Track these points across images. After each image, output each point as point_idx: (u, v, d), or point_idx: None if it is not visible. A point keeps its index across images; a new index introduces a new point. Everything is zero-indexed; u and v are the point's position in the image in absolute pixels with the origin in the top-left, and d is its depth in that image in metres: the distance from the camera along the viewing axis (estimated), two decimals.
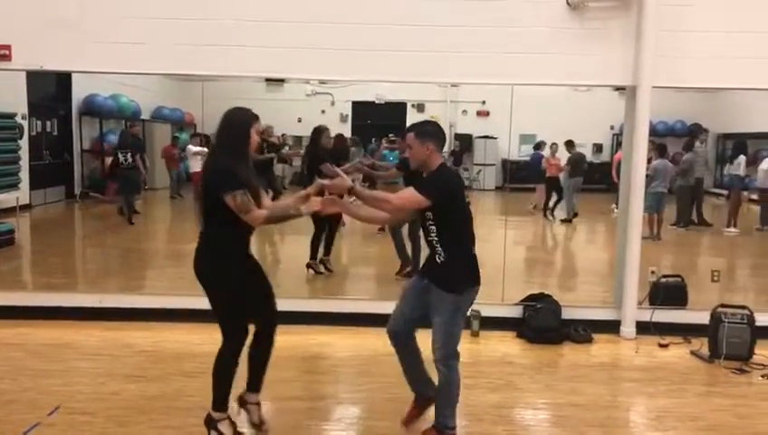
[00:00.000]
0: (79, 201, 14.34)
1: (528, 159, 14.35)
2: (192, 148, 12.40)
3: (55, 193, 14.08)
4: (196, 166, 12.28)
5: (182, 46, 5.78)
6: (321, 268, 7.70)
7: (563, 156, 13.64)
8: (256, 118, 3.68)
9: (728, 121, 14.10)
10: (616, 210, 12.70)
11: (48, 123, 14.15)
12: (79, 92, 14.50)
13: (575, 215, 13.04)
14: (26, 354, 5.19)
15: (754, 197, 11.98)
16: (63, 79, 14.04)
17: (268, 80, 14.34)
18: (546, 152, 13.81)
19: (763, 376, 5.08)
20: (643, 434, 4.18)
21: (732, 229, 11.64)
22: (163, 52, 5.82)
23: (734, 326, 5.36)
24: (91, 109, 14.69)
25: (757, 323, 5.40)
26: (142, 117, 15.86)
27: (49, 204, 13.62)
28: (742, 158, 11.87)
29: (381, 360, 4.32)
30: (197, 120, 15.23)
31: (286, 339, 4.69)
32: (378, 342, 4.20)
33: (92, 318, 5.93)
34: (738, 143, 12.09)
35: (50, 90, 14.31)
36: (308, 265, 7.63)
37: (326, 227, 7.61)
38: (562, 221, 13.09)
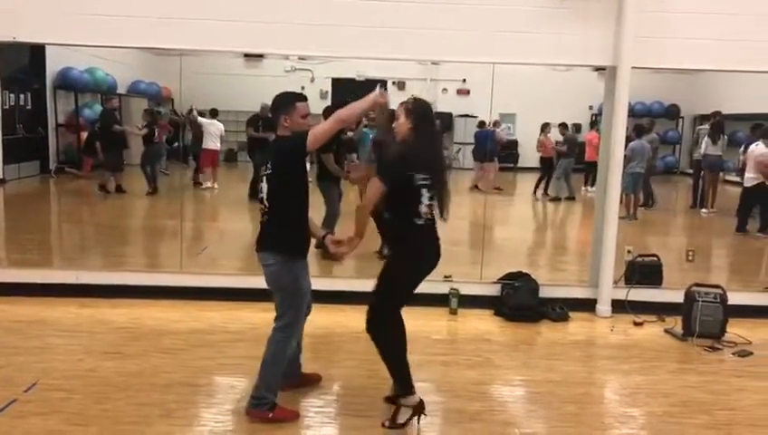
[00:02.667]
0: (54, 176, 14.13)
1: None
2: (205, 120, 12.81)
3: (29, 168, 13.85)
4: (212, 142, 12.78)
5: (159, 19, 5.68)
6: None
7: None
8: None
9: (705, 103, 14.22)
10: (587, 190, 12.89)
11: (22, 97, 13.87)
12: (53, 65, 14.21)
13: (572, 198, 13.22)
14: (1, 331, 5.13)
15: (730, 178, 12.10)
16: (37, 51, 13.75)
17: (247, 55, 14.20)
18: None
19: (734, 353, 5.19)
20: (617, 410, 4.25)
21: (705, 210, 11.82)
22: (140, 25, 5.71)
23: (708, 305, 5.45)
24: (66, 82, 14.42)
25: (729, 302, 5.51)
26: (118, 91, 15.62)
27: (23, 179, 13.40)
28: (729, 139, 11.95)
29: (359, 337, 4.34)
30: (175, 94, 15.04)
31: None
32: (356, 319, 4.21)
33: (68, 295, 5.87)
34: (716, 123, 12.12)
35: (23, 62, 14.01)
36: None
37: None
38: (551, 200, 13.24)
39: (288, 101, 3.78)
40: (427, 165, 3.68)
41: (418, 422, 3.77)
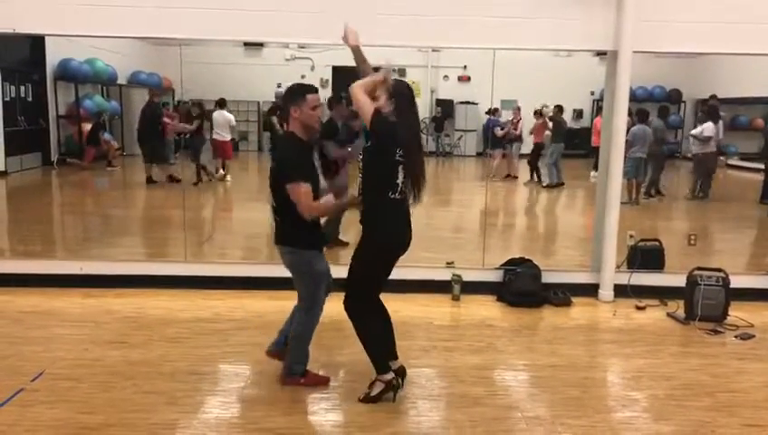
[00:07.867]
0: (56, 168, 14.16)
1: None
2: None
3: (31, 159, 13.89)
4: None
5: (158, 9, 5.65)
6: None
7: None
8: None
9: (707, 87, 14.18)
10: (594, 175, 12.89)
11: (22, 88, 13.89)
12: (53, 57, 14.21)
13: (561, 184, 13.12)
14: (6, 322, 5.16)
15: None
16: (37, 43, 13.74)
17: (247, 44, 14.18)
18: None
19: (735, 337, 5.21)
20: (620, 394, 4.27)
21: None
22: (139, 15, 5.68)
23: (710, 288, 5.47)
24: (66, 73, 14.42)
25: (731, 285, 5.53)
26: (119, 82, 15.62)
27: (25, 171, 13.44)
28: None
29: None
30: (175, 84, 15.03)
31: (272, 304, 4.74)
32: None
33: (73, 285, 5.90)
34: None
35: (23, 54, 14.01)
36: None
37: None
38: (545, 187, 13.19)
39: (298, 92, 3.87)
40: (405, 143, 3.70)
41: (394, 398, 3.92)
